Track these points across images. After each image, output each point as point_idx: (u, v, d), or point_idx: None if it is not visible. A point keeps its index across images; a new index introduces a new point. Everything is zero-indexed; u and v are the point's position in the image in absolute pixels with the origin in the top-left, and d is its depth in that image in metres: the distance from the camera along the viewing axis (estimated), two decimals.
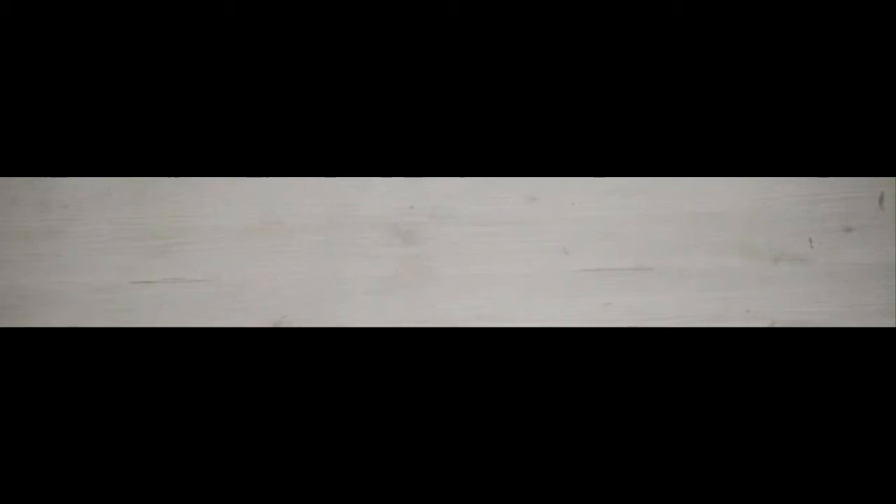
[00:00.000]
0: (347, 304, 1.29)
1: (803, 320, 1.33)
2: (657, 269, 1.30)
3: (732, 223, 1.31)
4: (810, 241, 1.32)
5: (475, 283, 1.29)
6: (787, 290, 1.32)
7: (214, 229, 1.29)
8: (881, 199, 1.32)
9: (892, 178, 1.32)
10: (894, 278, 1.32)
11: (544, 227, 1.30)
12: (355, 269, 1.29)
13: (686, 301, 1.29)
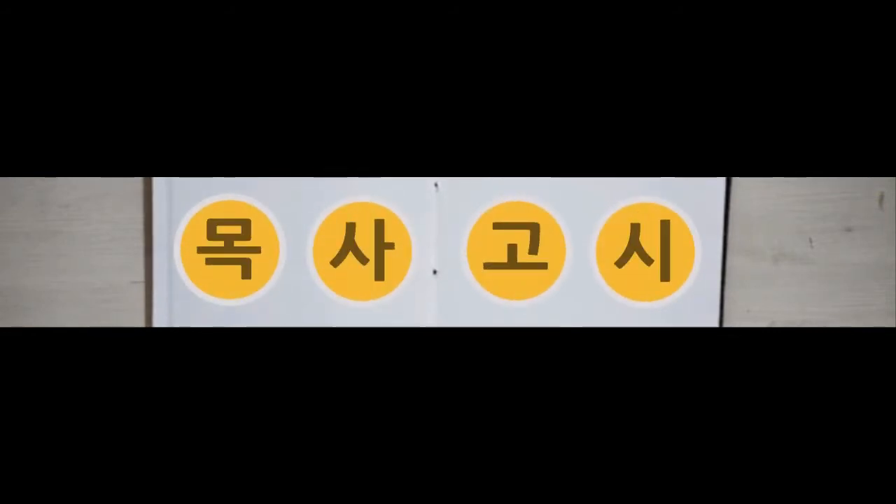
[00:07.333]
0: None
1: (803, 320, 1.33)
2: None
3: (732, 223, 1.31)
4: (810, 241, 1.32)
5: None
6: (787, 290, 1.32)
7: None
8: (881, 199, 1.32)
9: (892, 178, 1.32)
10: (894, 278, 1.32)
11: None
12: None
13: None
